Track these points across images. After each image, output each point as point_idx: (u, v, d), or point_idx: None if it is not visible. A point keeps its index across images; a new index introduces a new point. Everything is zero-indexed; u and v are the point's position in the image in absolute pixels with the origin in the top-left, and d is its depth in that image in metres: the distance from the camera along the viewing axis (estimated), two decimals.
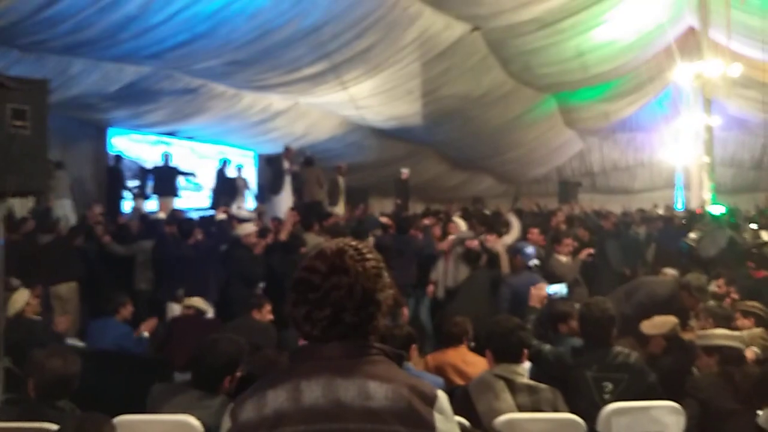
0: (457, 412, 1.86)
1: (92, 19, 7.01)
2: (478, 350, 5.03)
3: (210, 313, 6.01)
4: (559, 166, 22.27)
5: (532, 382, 3.20)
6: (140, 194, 11.44)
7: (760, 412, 3.14)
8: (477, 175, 20.49)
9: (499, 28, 11.47)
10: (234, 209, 11.37)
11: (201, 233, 7.42)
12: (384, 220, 8.93)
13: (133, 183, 11.58)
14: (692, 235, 8.06)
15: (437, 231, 8.74)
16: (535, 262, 6.37)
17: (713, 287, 6.42)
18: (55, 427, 2.64)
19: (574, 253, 6.97)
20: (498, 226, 8.67)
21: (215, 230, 8.35)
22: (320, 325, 1.43)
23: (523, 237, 7.93)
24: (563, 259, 6.70)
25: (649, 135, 21.22)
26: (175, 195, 11.48)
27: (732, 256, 7.65)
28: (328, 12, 8.69)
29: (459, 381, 4.23)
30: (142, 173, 11.66)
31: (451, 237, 7.53)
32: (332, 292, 1.43)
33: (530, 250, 6.37)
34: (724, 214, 9.93)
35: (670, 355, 4.08)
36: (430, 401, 1.41)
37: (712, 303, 4.98)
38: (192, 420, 2.88)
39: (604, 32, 12.78)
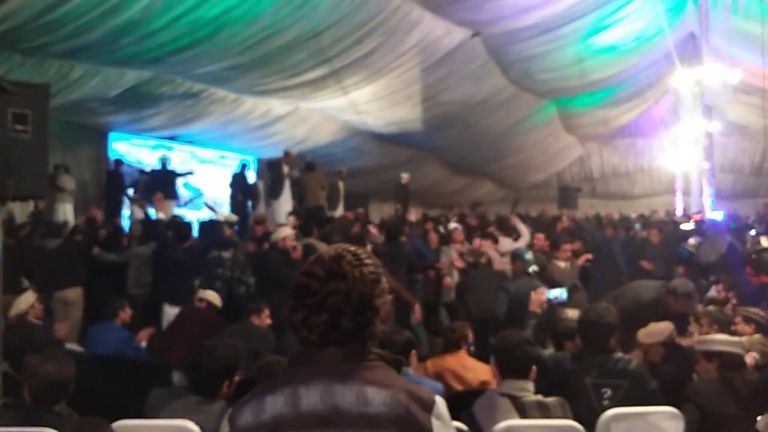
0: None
1: (93, 24, 7.03)
2: (479, 355, 5.05)
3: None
4: (559, 171, 22.28)
5: (540, 398, 3.08)
6: (139, 198, 11.44)
7: (759, 418, 3.14)
8: (477, 181, 20.50)
9: (499, 34, 11.49)
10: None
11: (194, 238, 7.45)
12: (373, 230, 8.93)
13: (132, 187, 11.58)
14: (692, 240, 8.07)
15: (434, 237, 8.78)
16: (534, 267, 6.38)
17: (713, 293, 6.44)
18: (53, 431, 2.64)
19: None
20: (508, 230, 8.76)
21: (207, 234, 8.37)
22: (318, 330, 1.43)
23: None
24: (562, 264, 6.72)
25: (649, 140, 21.24)
26: (174, 198, 11.48)
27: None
28: (328, 17, 8.72)
29: (458, 387, 4.24)
30: (141, 177, 11.66)
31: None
32: (330, 297, 1.43)
33: (529, 255, 6.38)
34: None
35: (669, 362, 4.07)
36: (428, 407, 1.41)
37: (712, 308, 4.98)
38: (190, 425, 2.88)
39: (604, 38, 12.81)
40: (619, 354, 3.52)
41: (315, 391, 1.40)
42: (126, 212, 11.21)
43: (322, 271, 1.46)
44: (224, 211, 10.59)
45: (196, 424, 2.88)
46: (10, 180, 4.06)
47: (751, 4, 11.89)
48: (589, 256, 8.03)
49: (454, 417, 1.61)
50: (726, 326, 4.47)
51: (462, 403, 3.14)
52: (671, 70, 14.28)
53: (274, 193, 11.62)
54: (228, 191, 12.55)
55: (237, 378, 3.11)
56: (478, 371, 4.37)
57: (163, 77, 9.51)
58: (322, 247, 6.96)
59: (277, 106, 12.01)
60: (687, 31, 15.22)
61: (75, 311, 7.27)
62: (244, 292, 7.26)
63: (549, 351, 3.89)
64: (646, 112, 19.38)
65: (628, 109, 18.52)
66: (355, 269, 1.46)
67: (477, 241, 8.55)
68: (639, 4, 12.04)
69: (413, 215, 12.03)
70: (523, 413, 2.99)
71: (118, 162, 11.55)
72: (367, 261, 1.50)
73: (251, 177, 13.06)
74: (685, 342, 4.44)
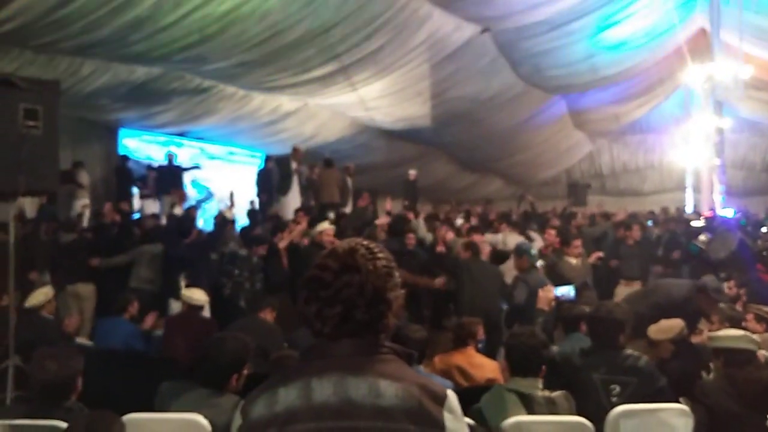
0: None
1: (103, 20, 7.06)
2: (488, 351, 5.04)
3: (206, 306, 5.90)
4: (569, 168, 22.20)
5: (548, 394, 3.08)
6: (146, 194, 11.50)
7: None
8: (486, 177, 20.46)
9: (509, 30, 11.44)
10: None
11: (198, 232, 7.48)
12: (382, 221, 8.95)
13: (140, 183, 11.63)
14: (702, 237, 8.02)
15: (443, 232, 8.77)
16: (540, 262, 6.37)
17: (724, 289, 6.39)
18: (64, 425, 2.66)
19: None
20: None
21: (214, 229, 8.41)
22: (331, 323, 1.44)
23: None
24: (573, 261, 6.69)
25: (660, 137, 21.12)
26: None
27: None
28: (337, 13, 8.71)
29: (465, 384, 4.23)
30: (148, 173, 11.71)
31: None
32: (343, 290, 1.44)
33: (535, 250, 6.38)
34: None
35: (678, 359, 4.05)
36: (440, 400, 1.41)
37: (723, 305, 4.96)
38: (200, 418, 2.89)
39: (615, 34, 12.72)
40: (629, 350, 3.51)
41: (328, 384, 1.40)
42: (136, 207, 11.28)
43: (336, 264, 1.46)
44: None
45: (206, 417, 2.90)
46: (21, 175, 4.09)
47: None
48: (601, 254, 8.00)
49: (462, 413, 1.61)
50: (737, 323, 4.43)
51: (469, 399, 3.13)
52: (682, 66, 14.17)
53: (282, 189, 11.66)
54: (242, 187, 12.56)
55: (246, 372, 3.12)
56: (485, 369, 4.36)
57: (173, 74, 9.54)
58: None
59: (285, 102, 12.02)
60: (698, 26, 15.10)
61: (87, 305, 7.35)
62: (248, 292, 7.16)
63: (556, 348, 3.87)
64: (657, 108, 19.26)
65: (639, 105, 18.42)
66: (368, 262, 1.47)
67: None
68: None
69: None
70: (531, 409, 2.99)
71: (125, 158, 11.61)
72: (380, 255, 1.51)
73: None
74: (694, 339, 4.42)
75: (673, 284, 5.51)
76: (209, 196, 12.85)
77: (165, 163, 11.61)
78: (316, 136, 13.39)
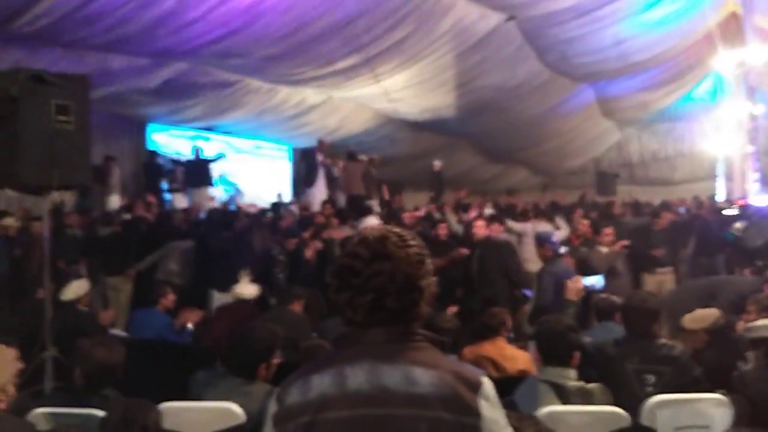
0: None
1: (130, 16, 7.14)
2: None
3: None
4: (596, 157, 21.85)
5: (583, 384, 3.05)
6: (175, 188, 11.63)
7: None
8: (511, 167, 20.27)
9: (535, 17, 11.28)
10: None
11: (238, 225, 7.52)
12: (408, 217, 8.94)
13: (168, 177, 11.77)
14: (738, 225, 7.86)
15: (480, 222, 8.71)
16: (562, 250, 6.30)
17: None
18: (101, 413, 2.70)
19: None
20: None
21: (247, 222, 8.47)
22: (362, 311, 1.43)
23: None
24: (604, 250, 6.62)
25: (689, 124, 20.68)
26: (209, 185, 11.65)
27: None
28: (361, 4, 8.69)
29: (496, 375, 4.19)
30: (176, 167, 11.85)
31: None
32: (374, 278, 1.43)
33: (555, 238, 6.32)
34: None
35: (713, 348, 3.99)
36: (475, 388, 1.40)
37: (760, 295, 4.88)
38: (234, 407, 2.92)
39: (644, 20, 12.48)
40: (663, 340, 3.46)
41: (360, 371, 1.40)
42: (167, 201, 11.43)
43: (367, 252, 1.45)
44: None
45: (239, 405, 2.93)
46: (54, 170, 4.16)
47: None
48: (626, 242, 7.89)
49: None
50: None
51: (500, 391, 3.11)
52: (712, 52, 13.85)
53: (308, 181, 11.73)
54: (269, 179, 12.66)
55: (275, 361, 3.14)
56: (518, 360, 4.29)
57: (199, 68, 9.62)
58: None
59: (310, 95, 12.05)
60: (729, 10, 14.74)
61: (124, 297, 7.50)
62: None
63: (588, 338, 3.83)
64: (686, 96, 18.87)
65: (668, 92, 18.05)
66: (400, 250, 1.46)
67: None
68: None
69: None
70: (566, 399, 2.96)
71: (153, 153, 11.75)
72: (412, 242, 1.49)
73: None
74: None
75: (738, 282, 5.64)
76: (237, 193, 12.96)
77: (192, 157, 11.73)
78: (341, 129, 13.41)
